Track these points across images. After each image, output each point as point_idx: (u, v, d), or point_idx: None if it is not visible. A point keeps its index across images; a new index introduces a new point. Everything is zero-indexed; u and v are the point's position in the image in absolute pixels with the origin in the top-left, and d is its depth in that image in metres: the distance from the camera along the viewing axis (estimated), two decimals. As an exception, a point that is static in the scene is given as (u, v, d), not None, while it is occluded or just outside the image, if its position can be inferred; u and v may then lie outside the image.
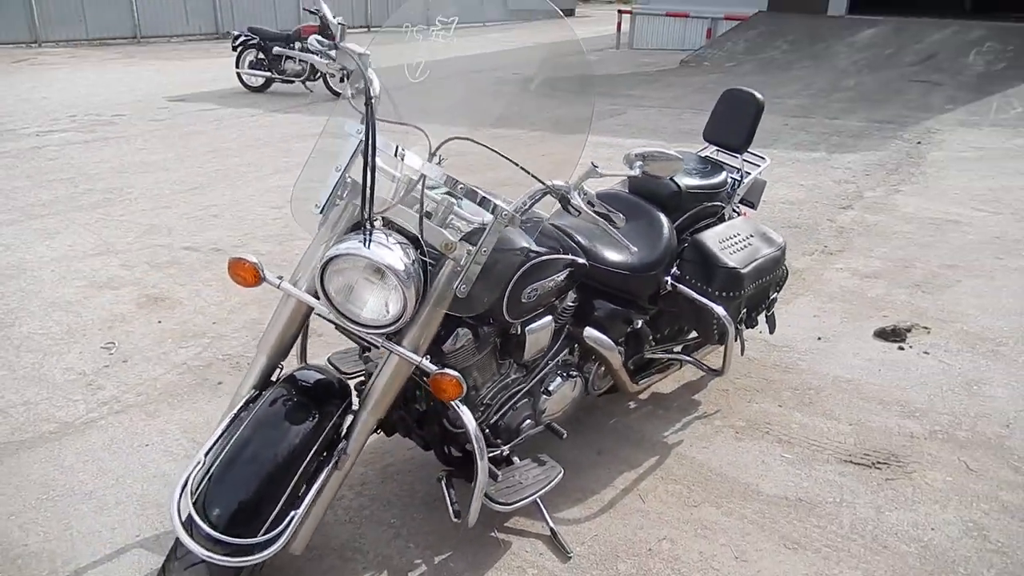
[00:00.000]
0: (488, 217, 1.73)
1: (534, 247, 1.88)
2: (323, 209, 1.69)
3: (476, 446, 1.77)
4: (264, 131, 7.75)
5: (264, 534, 1.52)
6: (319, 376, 1.78)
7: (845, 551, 2.02)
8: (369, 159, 1.55)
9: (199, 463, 1.55)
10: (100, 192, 5.52)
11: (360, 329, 1.67)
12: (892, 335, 3.19)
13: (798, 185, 5.48)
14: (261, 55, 9.82)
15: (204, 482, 1.52)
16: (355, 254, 1.57)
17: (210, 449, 1.59)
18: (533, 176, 1.72)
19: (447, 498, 2.02)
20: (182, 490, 1.50)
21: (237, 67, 10.10)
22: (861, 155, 6.31)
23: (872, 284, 3.74)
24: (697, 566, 1.99)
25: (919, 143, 6.65)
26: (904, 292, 3.64)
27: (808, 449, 2.46)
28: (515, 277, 1.82)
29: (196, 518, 1.47)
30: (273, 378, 1.82)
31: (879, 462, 2.37)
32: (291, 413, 1.64)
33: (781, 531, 2.10)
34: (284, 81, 9.84)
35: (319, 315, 1.74)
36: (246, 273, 1.68)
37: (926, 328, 3.25)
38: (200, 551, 1.44)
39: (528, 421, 2.14)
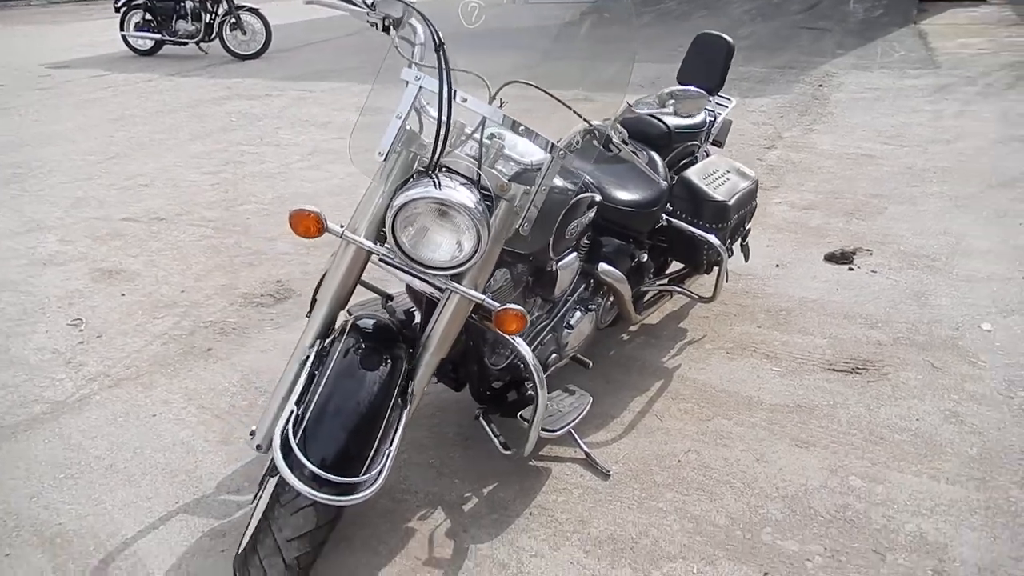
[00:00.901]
0: (540, 156, 1.80)
1: (577, 185, 1.97)
2: (387, 156, 1.70)
3: (536, 377, 1.86)
4: (168, 96, 7.34)
5: (364, 473, 1.56)
6: (381, 322, 1.81)
7: (849, 444, 2.25)
8: (445, 105, 1.58)
9: (292, 412, 1.57)
10: (6, 167, 5.13)
11: (427, 272, 1.71)
12: (840, 258, 3.48)
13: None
14: (148, 16, 9.22)
15: (303, 430, 1.54)
16: (432, 196, 1.60)
17: (300, 399, 1.60)
18: (580, 116, 1.79)
19: (491, 433, 2.11)
20: (282, 439, 1.52)
21: (122, 29, 9.45)
22: (771, 99, 6.66)
23: (811, 215, 4.04)
24: (724, 470, 2.17)
25: (820, 86, 7.09)
26: (840, 220, 3.95)
27: (794, 362, 2.69)
28: (563, 214, 1.90)
29: (305, 461, 1.49)
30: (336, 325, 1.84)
31: (858, 368, 2.63)
32: (367, 360, 1.67)
33: (790, 434, 2.31)
34: (176, 43, 9.29)
35: (384, 262, 1.77)
36: (310, 223, 1.68)
37: (868, 250, 3.56)
38: (310, 491, 1.47)
39: (554, 355, 2.24)
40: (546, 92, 1.77)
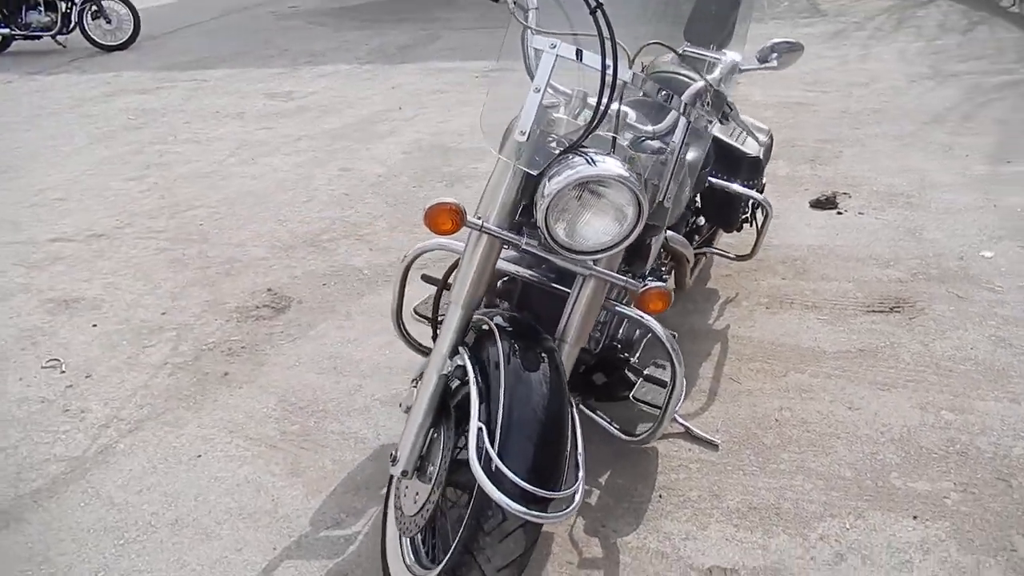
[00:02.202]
0: (667, 122, 1.70)
1: (704, 148, 1.88)
2: (529, 134, 1.53)
3: (674, 356, 1.77)
4: (39, 98, 6.55)
5: (567, 486, 1.43)
6: (523, 319, 1.66)
7: (924, 382, 2.32)
8: (608, 74, 1.43)
9: (479, 429, 1.40)
10: None
11: (575, 257, 1.58)
12: (826, 204, 3.60)
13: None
14: (-9, 9, 8.16)
15: (499, 445, 1.38)
16: (592, 175, 1.46)
17: (480, 415, 1.43)
18: (702, 77, 1.70)
19: (604, 421, 2.02)
20: (482, 458, 1.35)
21: (-42, 26, 8.31)
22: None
23: (776, 165, 4.14)
24: (825, 423, 2.18)
25: (724, 39, 7.30)
26: (806, 168, 4.08)
27: (834, 309, 2.75)
28: (693, 181, 1.82)
29: (515, 479, 1.33)
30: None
31: (895, 307, 2.72)
32: (532, 361, 1.52)
33: (866, 378, 2.36)
34: (28, 38, 8.30)
35: (527, 249, 1.61)
36: (452, 218, 1.51)
37: (846, 194, 3.69)
38: (524, 511, 1.32)
39: (639, 331, 2.17)
40: (685, 52, 1.66)
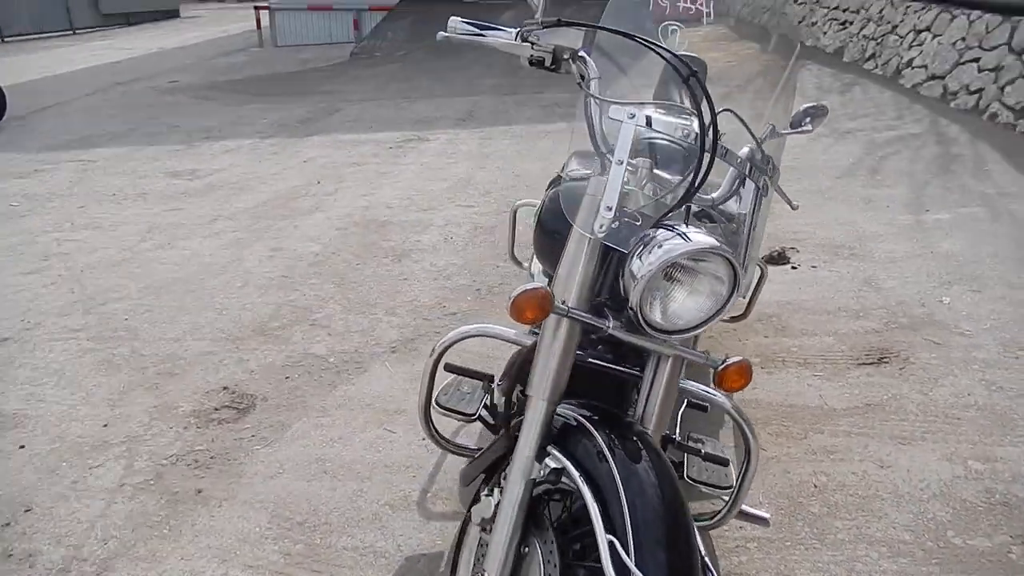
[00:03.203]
0: (729, 186, 1.63)
1: None
2: (616, 213, 1.40)
3: (749, 430, 1.67)
4: None
5: None
6: (604, 411, 1.51)
7: (940, 431, 2.34)
8: (708, 140, 1.35)
9: (609, 542, 1.22)
10: None
11: (664, 337, 1.45)
12: (779, 259, 3.69)
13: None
14: None
15: (638, 562, 1.21)
16: (691, 250, 1.35)
17: (605, 525, 1.25)
18: (754, 139, 1.65)
19: None
20: (616, 569, 1.18)
21: None
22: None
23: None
24: (863, 485, 2.14)
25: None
26: (745, 224, 4.19)
27: (825, 365, 2.76)
28: None
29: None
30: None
31: (882, 359, 2.77)
32: (637, 457, 1.36)
33: (884, 433, 2.35)
34: None
35: (613, 332, 1.46)
36: (543, 303, 1.35)
37: (794, 248, 3.81)
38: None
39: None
40: (744, 122, 1.60)
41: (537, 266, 2.02)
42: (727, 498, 1.81)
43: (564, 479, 1.38)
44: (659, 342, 1.48)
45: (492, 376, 1.96)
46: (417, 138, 6.64)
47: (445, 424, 1.99)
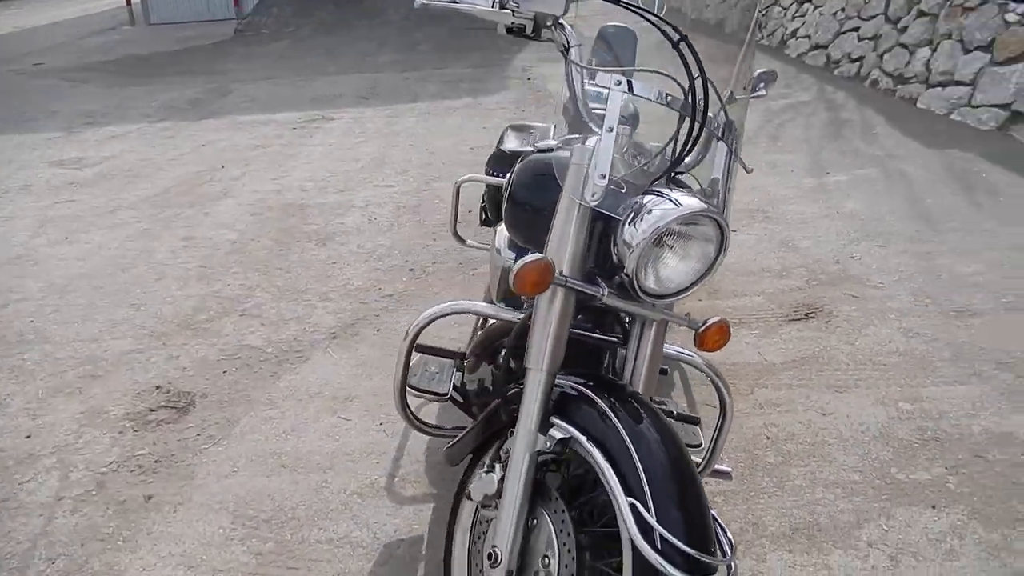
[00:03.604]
0: (701, 150, 1.67)
1: None
2: (610, 179, 1.41)
3: (724, 390, 1.74)
4: None
5: (720, 550, 1.31)
6: (600, 378, 1.53)
7: (870, 378, 2.51)
8: (700, 106, 1.37)
9: (631, 505, 1.24)
10: None
11: (657, 302, 1.48)
12: (700, 225, 3.82)
13: (480, 130, 5.86)
14: None
15: (661, 522, 1.23)
16: (683, 214, 1.38)
17: (624, 490, 1.27)
18: (721, 102, 1.70)
19: None
20: (656, 541, 1.20)
21: None
22: (499, 95, 6.96)
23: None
24: (810, 432, 2.27)
25: (529, 78, 7.60)
26: (663, 193, 4.31)
27: (759, 323, 2.90)
28: None
29: (693, 552, 1.20)
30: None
31: (808, 314, 2.94)
32: (640, 420, 1.39)
33: (821, 383, 2.50)
34: None
35: (603, 303, 1.47)
36: (544, 274, 1.35)
37: (712, 214, 3.95)
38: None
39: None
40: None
41: (503, 242, 2.00)
42: (699, 458, 1.88)
43: (571, 448, 1.39)
44: (649, 307, 1.51)
45: (463, 354, 1.95)
46: (320, 117, 6.42)
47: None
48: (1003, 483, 2.03)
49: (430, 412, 2.40)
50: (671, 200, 1.41)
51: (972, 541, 1.85)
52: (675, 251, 1.45)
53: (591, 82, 1.48)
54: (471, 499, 1.51)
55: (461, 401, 2.01)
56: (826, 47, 7.04)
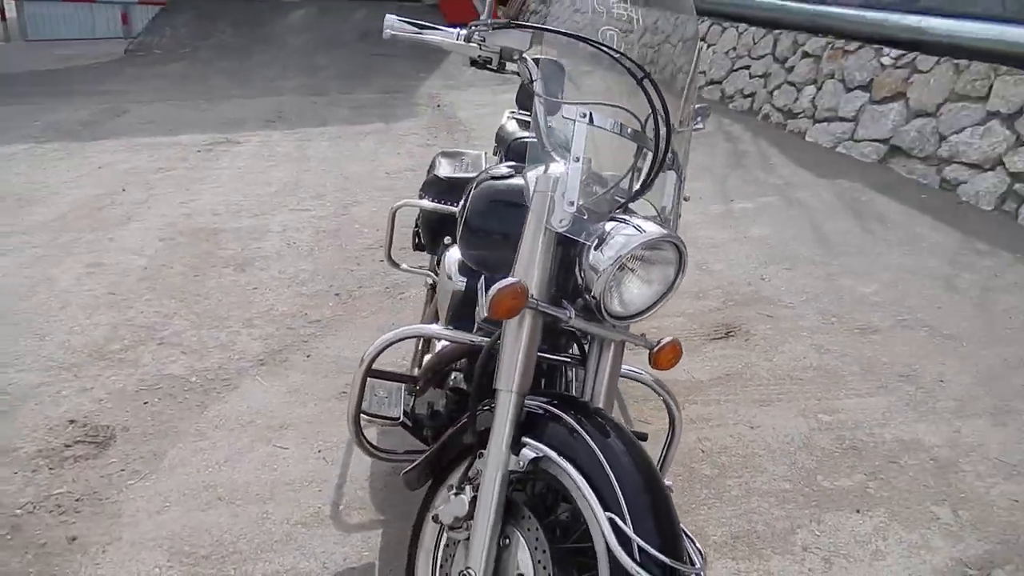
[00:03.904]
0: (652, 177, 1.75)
1: None
2: (577, 207, 1.45)
3: (675, 407, 1.81)
4: None
5: (690, 559, 1.36)
6: (563, 395, 1.57)
7: (790, 392, 2.68)
8: (663, 140, 1.45)
9: (610, 520, 1.27)
10: None
11: (619, 323, 1.54)
12: (619, 249, 3.96)
13: (395, 155, 5.86)
14: None
15: (634, 534, 1.27)
16: (647, 240, 1.45)
17: (601, 505, 1.30)
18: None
19: None
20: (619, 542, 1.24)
21: None
22: (410, 122, 6.97)
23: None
24: (740, 445, 2.39)
25: (438, 105, 7.65)
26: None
27: (682, 341, 3.02)
28: None
29: (672, 563, 1.24)
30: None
31: (728, 333, 3.10)
32: (607, 434, 1.44)
33: (746, 398, 2.64)
34: None
35: (571, 323, 1.52)
36: (519, 297, 1.38)
37: (629, 239, 4.11)
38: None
39: None
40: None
41: (454, 266, 2.01)
42: None
43: (540, 467, 1.42)
44: (609, 328, 1.57)
45: (414, 378, 1.94)
46: (227, 140, 6.23)
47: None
48: (916, 486, 2.20)
49: (372, 436, 2.36)
50: (634, 226, 1.48)
51: (895, 541, 2.00)
52: (637, 274, 1.52)
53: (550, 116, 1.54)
54: (438, 522, 1.51)
55: (411, 425, 2.01)
56: (720, 82, 7.48)
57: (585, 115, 1.50)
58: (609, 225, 1.49)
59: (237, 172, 5.37)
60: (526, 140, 2.69)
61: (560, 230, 1.48)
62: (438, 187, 2.61)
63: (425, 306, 2.78)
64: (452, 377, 1.96)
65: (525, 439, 1.44)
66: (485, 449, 1.49)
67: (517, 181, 1.74)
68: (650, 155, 1.57)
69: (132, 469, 2.27)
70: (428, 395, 2.08)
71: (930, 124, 4.98)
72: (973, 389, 2.68)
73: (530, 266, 1.50)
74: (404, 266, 2.87)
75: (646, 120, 1.75)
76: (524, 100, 3.07)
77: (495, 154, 3.09)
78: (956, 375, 2.76)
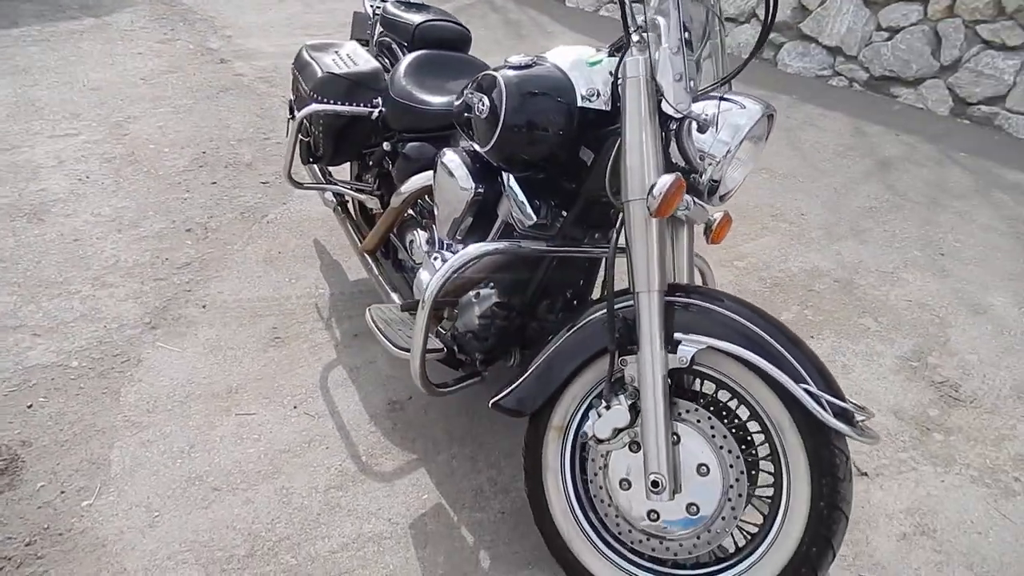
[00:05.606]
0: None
1: None
2: (687, 86, 1.37)
3: (708, 267, 1.88)
4: None
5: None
6: (677, 286, 1.54)
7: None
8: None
9: (807, 390, 1.31)
10: None
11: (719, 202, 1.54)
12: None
13: (136, 55, 4.92)
14: None
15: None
16: (765, 112, 1.44)
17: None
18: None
19: None
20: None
21: None
22: (126, 13, 5.81)
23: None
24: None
25: (151, -8, 6.47)
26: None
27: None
28: None
29: (855, 409, 1.33)
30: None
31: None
32: (733, 305, 1.46)
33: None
34: None
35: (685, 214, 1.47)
36: (680, 191, 1.32)
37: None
38: (872, 437, 1.35)
39: None
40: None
41: (462, 172, 1.78)
42: None
43: (699, 360, 1.41)
44: (702, 209, 1.57)
45: (413, 305, 1.79)
46: None
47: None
48: (839, 306, 2.57)
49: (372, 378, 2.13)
50: (737, 104, 1.46)
51: (851, 355, 2.34)
52: (742, 151, 1.51)
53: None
54: (599, 441, 1.45)
55: (444, 353, 1.87)
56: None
57: (670, -2, 1.40)
58: (708, 104, 1.45)
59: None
60: (436, 22, 2.44)
61: (681, 114, 1.41)
62: (336, 86, 2.30)
63: (346, 225, 2.49)
64: (475, 294, 1.82)
65: (678, 335, 1.42)
66: (624, 355, 1.45)
67: (546, 71, 1.59)
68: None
69: (74, 487, 1.81)
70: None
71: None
72: (828, 217, 3.13)
73: (644, 159, 1.41)
74: (307, 184, 2.52)
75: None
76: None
77: (354, 38, 2.76)
78: (810, 208, 3.20)
